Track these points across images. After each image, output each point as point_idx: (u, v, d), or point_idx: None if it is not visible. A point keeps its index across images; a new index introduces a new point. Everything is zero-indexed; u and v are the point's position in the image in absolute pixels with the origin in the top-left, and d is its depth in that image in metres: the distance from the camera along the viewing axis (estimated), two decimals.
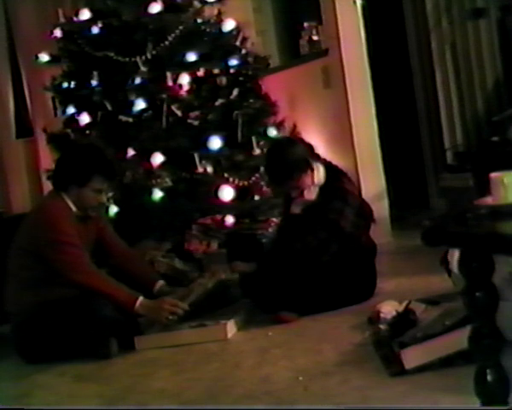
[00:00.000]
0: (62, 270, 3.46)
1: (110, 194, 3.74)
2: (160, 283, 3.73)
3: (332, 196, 3.62)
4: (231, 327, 3.47)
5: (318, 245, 3.55)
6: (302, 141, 3.78)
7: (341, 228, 3.56)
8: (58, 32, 5.03)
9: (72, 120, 4.93)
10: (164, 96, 4.65)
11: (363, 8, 5.46)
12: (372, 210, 3.85)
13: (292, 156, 3.63)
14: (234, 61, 4.95)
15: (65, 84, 5.04)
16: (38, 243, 3.48)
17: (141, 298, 3.43)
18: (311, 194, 3.67)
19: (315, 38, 5.80)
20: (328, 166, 3.77)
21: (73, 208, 3.57)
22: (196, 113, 4.72)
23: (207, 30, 4.99)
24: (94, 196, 3.56)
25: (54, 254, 3.45)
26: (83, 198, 3.55)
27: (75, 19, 4.98)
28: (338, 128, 5.42)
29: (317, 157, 3.74)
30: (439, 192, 5.35)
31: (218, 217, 4.60)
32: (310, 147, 3.75)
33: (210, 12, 5.11)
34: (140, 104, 4.67)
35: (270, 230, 4.54)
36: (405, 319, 2.84)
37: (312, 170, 3.65)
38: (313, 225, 3.58)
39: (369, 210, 3.81)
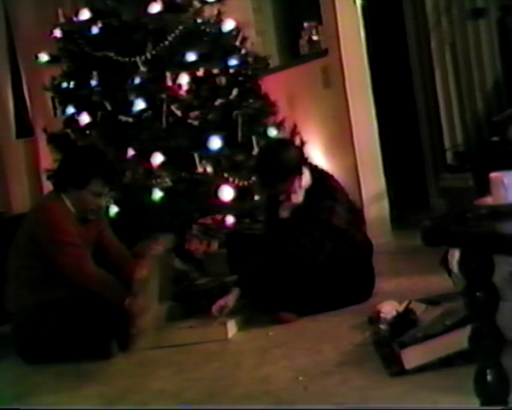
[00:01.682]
0: (64, 270, 3.46)
1: (109, 197, 3.71)
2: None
3: (321, 196, 3.61)
4: (231, 327, 3.47)
5: (313, 246, 3.55)
6: (293, 144, 3.77)
7: (334, 226, 3.56)
8: (58, 32, 5.03)
9: (72, 120, 4.93)
10: (163, 96, 4.65)
11: (363, 8, 5.46)
12: (361, 211, 3.84)
13: (286, 159, 3.61)
14: (233, 61, 4.95)
15: (64, 85, 5.04)
16: (40, 242, 3.48)
17: (130, 298, 3.39)
18: (297, 197, 3.66)
19: (315, 38, 5.80)
20: (314, 168, 3.77)
21: (72, 210, 3.57)
22: (196, 113, 4.72)
23: (207, 30, 4.99)
24: (93, 199, 3.55)
25: (56, 254, 3.45)
26: (81, 201, 3.55)
27: (75, 19, 4.98)
28: (338, 128, 5.42)
29: (305, 160, 3.73)
30: (439, 192, 5.35)
31: (218, 217, 4.60)
32: (300, 150, 3.75)
33: (210, 12, 5.11)
34: (140, 104, 4.66)
35: None
36: (405, 319, 2.84)
37: (302, 173, 3.65)
38: (306, 226, 3.58)
39: (357, 209, 3.80)
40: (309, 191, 3.66)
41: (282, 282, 3.55)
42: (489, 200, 1.97)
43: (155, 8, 4.74)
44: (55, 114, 5.44)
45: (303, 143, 4.80)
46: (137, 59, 4.71)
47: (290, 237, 3.59)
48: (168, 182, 4.58)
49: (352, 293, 3.61)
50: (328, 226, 3.56)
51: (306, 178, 3.67)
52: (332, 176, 3.80)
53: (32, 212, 3.81)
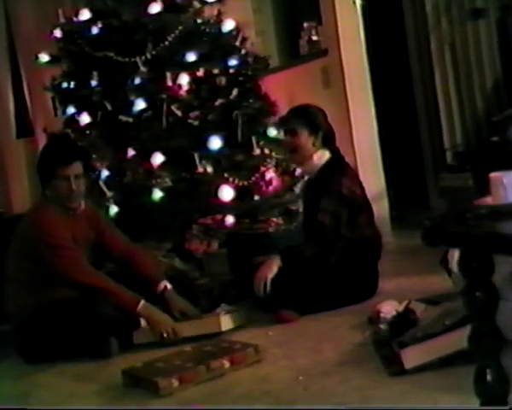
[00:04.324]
0: (63, 272, 3.47)
1: (84, 178, 3.66)
2: (163, 284, 3.68)
3: (331, 172, 3.72)
4: (226, 321, 3.46)
5: (332, 219, 3.61)
6: (327, 123, 3.89)
7: (345, 196, 3.63)
8: (58, 33, 5.03)
9: (73, 120, 4.93)
10: (164, 96, 4.65)
11: (363, 8, 5.46)
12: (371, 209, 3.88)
13: (314, 112, 3.86)
14: (233, 62, 4.95)
15: (65, 85, 5.04)
16: (34, 247, 3.49)
17: (143, 301, 3.43)
18: (311, 165, 3.77)
19: (314, 38, 5.80)
20: (337, 156, 3.84)
21: (58, 205, 3.58)
22: (196, 113, 4.72)
23: (207, 30, 4.99)
24: (64, 184, 3.52)
25: (52, 258, 3.46)
26: (57, 192, 3.55)
27: (75, 19, 4.98)
28: (338, 128, 5.37)
29: (329, 143, 3.82)
30: (439, 192, 5.36)
31: (218, 217, 4.60)
32: (330, 132, 3.86)
33: (210, 12, 5.11)
34: (140, 104, 4.66)
35: (271, 230, 4.56)
36: (405, 319, 2.84)
37: (315, 144, 3.76)
38: (317, 200, 3.67)
39: (368, 202, 3.83)
40: (322, 169, 3.76)
41: (284, 279, 3.56)
42: (489, 200, 1.98)
43: (155, 8, 4.74)
44: (56, 114, 5.44)
45: None
46: (137, 59, 4.71)
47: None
48: (168, 182, 4.57)
49: (356, 292, 3.62)
50: (340, 195, 3.62)
51: (324, 157, 3.78)
52: (347, 163, 3.90)
53: (24, 217, 3.79)
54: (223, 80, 4.91)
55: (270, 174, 4.83)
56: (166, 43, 4.74)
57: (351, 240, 3.64)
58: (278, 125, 4.65)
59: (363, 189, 3.84)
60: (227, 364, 2.93)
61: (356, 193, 3.70)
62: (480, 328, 1.92)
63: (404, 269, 4.24)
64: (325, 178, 3.72)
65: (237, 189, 4.66)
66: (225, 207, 4.60)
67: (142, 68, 4.70)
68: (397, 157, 5.74)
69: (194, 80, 4.81)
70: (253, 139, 4.78)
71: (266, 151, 4.83)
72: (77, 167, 3.56)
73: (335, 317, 3.45)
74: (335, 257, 3.62)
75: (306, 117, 3.82)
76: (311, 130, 3.78)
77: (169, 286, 3.67)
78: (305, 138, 3.77)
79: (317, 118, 3.84)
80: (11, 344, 3.61)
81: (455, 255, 2.77)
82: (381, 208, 5.23)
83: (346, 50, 5.30)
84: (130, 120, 4.67)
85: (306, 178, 3.91)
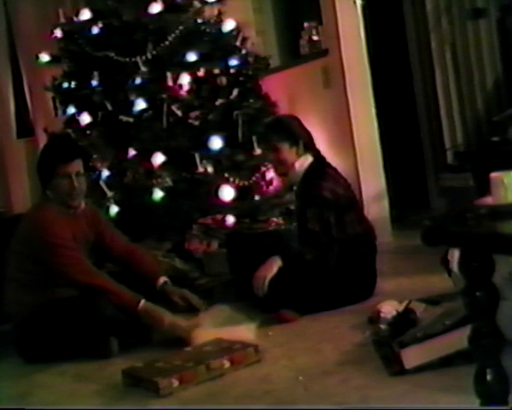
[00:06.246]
0: (64, 271, 3.46)
1: (84, 176, 3.66)
2: (163, 279, 3.68)
3: (312, 177, 3.71)
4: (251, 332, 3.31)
5: (321, 225, 3.61)
6: (304, 129, 3.87)
7: (326, 198, 3.62)
8: (58, 32, 5.04)
9: (73, 120, 4.94)
10: (164, 96, 4.66)
11: (363, 8, 5.45)
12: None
13: (288, 123, 3.84)
14: (234, 61, 4.96)
15: (65, 85, 5.05)
16: (36, 246, 3.48)
17: (143, 300, 3.43)
18: (294, 175, 3.75)
19: (315, 38, 5.79)
20: (320, 159, 3.82)
21: (58, 205, 3.58)
22: (196, 113, 4.73)
23: (207, 30, 5.00)
24: (66, 182, 3.52)
25: (53, 257, 3.46)
26: (57, 190, 3.54)
27: (75, 19, 4.99)
28: (338, 128, 5.42)
29: (309, 148, 3.80)
30: (439, 192, 5.36)
31: (219, 217, 4.60)
32: (309, 137, 3.84)
33: (210, 12, 5.12)
34: (140, 104, 4.67)
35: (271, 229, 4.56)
36: (405, 319, 2.84)
37: (297, 153, 3.74)
38: (303, 209, 3.69)
39: (355, 200, 3.83)
40: (304, 175, 3.74)
41: (284, 279, 3.56)
42: (489, 200, 1.98)
43: (156, 8, 4.75)
44: (56, 114, 5.45)
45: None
46: (138, 59, 4.71)
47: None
48: (169, 182, 4.58)
49: (355, 292, 3.62)
50: (323, 200, 3.61)
51: (306, 162, 3.75)
52: (329, 165, 3.85)
53: (24, 217, 3.79)
54: (223, 80, 4.92)
55: (271, 174, 4.84)
56: (167, 43, 4.75)
57: (344, 240, 3.64)
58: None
59: (348, 186, 3.83)
60: (227, 364, 2.93)
61: (339, 194, 3.68)
62: (480, 328, 1.92)
63: (404, 269, 4.24)
64: (307, 184, 3.71)
65: (237, 189, 4.67)
66: (225, 207, 4.61)
67: (143, 68, 4.71)
68: (397, 157, 5.74)
69: (195, 80, 4.81)
70: (254, 139, 4.79)
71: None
72: (78, 165, 3.56)
73: (335, 317, 3.45)
74: (333, 260, 3.62)
75: (283, 130, 3.79)
76: (291, 142, 3.74)
77: (169, 281, 3.67)
78: (287, 151, 3.75)
79: (294, 128, 3.81)
80: (11, 344, 3.60)
81: (455, 255, 2.77)
82: (381, 208, 5.23)
83: (346, 50, 5.29)
84: (131, 119, 4.68)
85: (294, 187, 3.89)
